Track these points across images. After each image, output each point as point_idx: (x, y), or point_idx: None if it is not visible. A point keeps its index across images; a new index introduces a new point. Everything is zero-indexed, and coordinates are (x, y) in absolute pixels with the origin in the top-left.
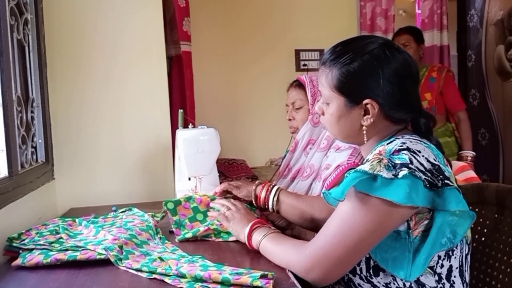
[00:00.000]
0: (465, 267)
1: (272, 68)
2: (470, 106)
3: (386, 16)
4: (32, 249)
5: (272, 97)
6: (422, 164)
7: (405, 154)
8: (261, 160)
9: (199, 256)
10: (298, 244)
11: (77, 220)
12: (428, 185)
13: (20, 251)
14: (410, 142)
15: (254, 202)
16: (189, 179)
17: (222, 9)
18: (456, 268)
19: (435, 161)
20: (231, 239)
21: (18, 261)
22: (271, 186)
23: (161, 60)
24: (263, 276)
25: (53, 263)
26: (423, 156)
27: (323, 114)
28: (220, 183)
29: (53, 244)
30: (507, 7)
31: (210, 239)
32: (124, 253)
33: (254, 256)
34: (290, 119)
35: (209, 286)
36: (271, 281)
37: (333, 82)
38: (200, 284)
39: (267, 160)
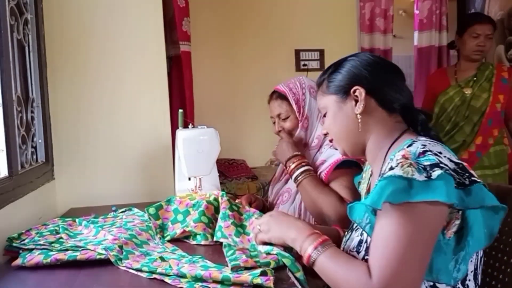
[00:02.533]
0: (478, 270)
1: (272, 68)
2: None
3: (385, 16)
4: (32, 249)
5: None
6: (446, 165)
7: (431, 155)
8: (261, 160)
9: (200, 256)
10: (358, 271)
11: (77, 220)
12: (456, 185)
13: (20, 251)
14: (429, 144)
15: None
16: (189, 179)
17: (222, 9)
18: (471, 272)
19: (458, 160)
20: (203, 242)
21: (18, 261)
22: (301, 165)
23: (161, 60)
24: (263, 274)
25: (53, 263)
26: (445, 157)
27: (327, 132)
28: (220, 183)
29: (53, 244)
30: (507, 7)
31: (188, 240)
32: (124, 253)
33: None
34: (280, 130)
35: (209, 286)
36: (272, 278)
37: (325, 89)
38: (200, 284)
39: (267, 160)
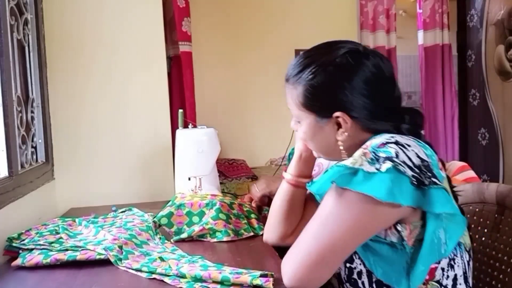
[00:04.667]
0: (468, 273)
1: (272, 68)
2: (470, 106)
3: (387, 15)
4: (32, 249)
5: (272, 97)
6: (410, 159)
7: (391, 147)
8: (261, 160)
9: (199, 256)
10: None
11: (77, 220)
12: (415, 182)
13: (20, 251)
14: (401, 137)
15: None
16: (189, 179)
17: (222, 9)
18: (461, 275)
19: (427, 157)
20: (225, 239)
21: (18, 261)
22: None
23: (161, 60)
24: (263, 275)
25: (53, 263)
26: (412, 150)
27: (297, 131)
28: (220, 183)
29: (53, 244)
30: (507, 7)
31: (205, 239)
32: (124, 253)
33: (254, 256)
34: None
35: (208, 286)
36: (271, 280)
37: (299, 99)
38: (199, 284)
39: (267, 160)
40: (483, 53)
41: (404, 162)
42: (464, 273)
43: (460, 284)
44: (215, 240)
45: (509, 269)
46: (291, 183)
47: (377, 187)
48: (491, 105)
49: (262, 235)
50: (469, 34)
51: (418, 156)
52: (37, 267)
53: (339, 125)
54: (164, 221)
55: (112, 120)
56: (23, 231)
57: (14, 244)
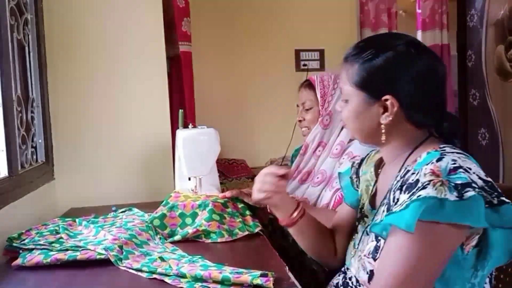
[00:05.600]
0: (493, 273)
1: (272, 68)
2: (470, 106)
3: (389, 14)
4: (32, 249)
5: (272, 96)
6: (477, 184)
7: (462, 172)
8: (261, 160)
9: (199, 256)
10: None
11: (77, 220)
12: (487, 204)
13: (20, 251)
14: (459, 158)
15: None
16: (189, 179)
17: (222, 9)
18: (488, 276)
19: (486, 177)
20: (219, 240)
21: (18, 261)
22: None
23: (161, 60)
24: (263, 275)
25: (53, 263)
26: (474, 173)
27: (340, 111)
28: (220, 183)
29: (53, 244)
30: (507, 7)
31: (200, 239)
32: (124, 253)
33: (254, 256)
34: (300, 120)
35: (209, 286)
36: (271, 279)
37: (354, 77)
38: (200, 284)
39: (267, 160)
40: (483, 53)
41: (480, 187)
42: (491, 274)
43: (485, 283)
44: (209, 241)
45: (509, 269)
46: (289, 224)
47: (469, 216)
48: (491, 105)
49: (258, 233)
50: (469, 34)
51: (480, 178)
52: (37, 267)
53: (385, 109)
54: (156, 222)
55: (112, 120)
56: (23, 231)
57: (14, 244)
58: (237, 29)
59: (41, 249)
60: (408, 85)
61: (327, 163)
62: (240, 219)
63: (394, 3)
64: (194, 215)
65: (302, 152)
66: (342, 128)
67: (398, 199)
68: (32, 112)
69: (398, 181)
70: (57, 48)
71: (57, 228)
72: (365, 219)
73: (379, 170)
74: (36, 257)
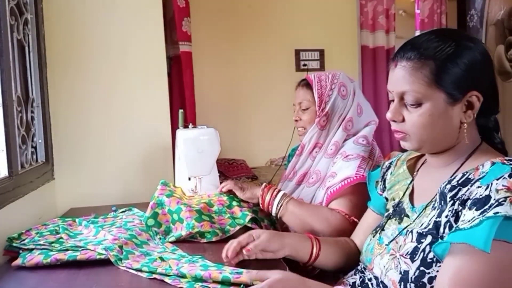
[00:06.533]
0: None
1: (272, 68)
2: None
3: (387, 15)
4: (32, 249)
5: (272, 97)
6: None
7: None
8: (261, 160)
9: (199, 256)
10: None
11: (77, 220)
12: None
13: (20, 251)
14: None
15: (260, 205)
16: (189, 179)
17: (222, 9)
18: None
19: None
20: (214, 239)
21: (18, 261)
22: (276, 191)
23: (161, 60)
24: None
25: (53, 263)
26: None
27: (402, 120)
28: (220, 183)
29: (53, 244)
30: (507, 7)
31: (195, 239)
32: (124, 253)
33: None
34: (296, 120)
35: (209, 286)
36: None
37: (433, 75)
38: (200, 284)
39: (267, 160)
40: None
41: None
42: None
43: None
44: (204, 240)
45: None
46: (314, 261)
47: None
48: None
49: (249, 225)
50: (469, 34)
51: None
52: (37, 267)
53: (468, 107)
54: (151, 222)
55: (112, 120)
56: (23, 231)
57: (14, 244)
58: (237, 29)
59: (41, 249)
60: (489, 80)
61: (322, 163)
62: (229, 215)
63: (393, 4)
64: (178, 210)
65: (298, 152)
66: (338, 129)
67: (458, 213)
68: (32, 112)
69: (454, 186)
70: (57, 48)
71: (57, 228)
72: (404, 217)
73: (415, 173)
74: (36, 257)
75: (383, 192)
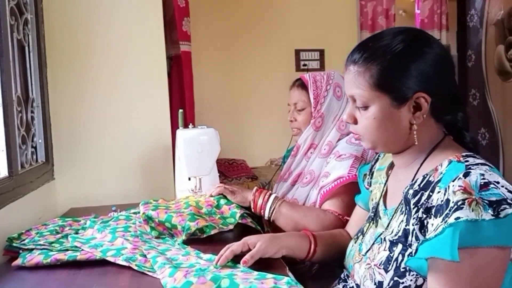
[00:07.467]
0: None
1: (272, 68)
2: (470, 106)
3: (387, 16)
4: (32, 249)
5: (272, 97)
6: (509, 198)
7: (494, 188)
8: (261, 160)
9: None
10: None
11: (81, 221)
12: None
13: (20, 251)
14: (485, 172)
15: (251, 208)
16: (189, 179)
17: (222, 9)
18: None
19: None
20: (213, 232)
21: (18, 261)
22: (267, 195)
23: (161, 60)
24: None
25: (53, 263)
26: (503, 187)
27: (355, 122)
28: (220, 183)
29: (53, 244)
30: (507, 7)
31: (196, 235)
32: (152, 259)
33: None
34: (291, 120)
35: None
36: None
37: (374, 79)
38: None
39: (267, 160)
40: (483, 53)
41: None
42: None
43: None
44: (204, 235)
45: None
46: (312, 257)
47: (510, 235)
48: (491, 105)
49: (256, 229)
50: (469, 34)
51: (510, 191)
52: (37, 267)
53: (416, 108)
54: (155, 233)
55: (112, 120)
56: (23, 231)
57: (14, 244)
58: (238, 29)
59: (41, 249)
60: (434, 76)
61: (315, 163)
62: (219, 215)
63: (393, 4)
64: (169, 218)
65: (293, 153)
66: (332, 129)
67: (422, 222)
68: (32, 112)
69: (416, 191)
70: (57, 48)
71: (57, 228)
72: (378, 220)
73: (390, 171)
74: (36, 257)
75: (369, 186)
